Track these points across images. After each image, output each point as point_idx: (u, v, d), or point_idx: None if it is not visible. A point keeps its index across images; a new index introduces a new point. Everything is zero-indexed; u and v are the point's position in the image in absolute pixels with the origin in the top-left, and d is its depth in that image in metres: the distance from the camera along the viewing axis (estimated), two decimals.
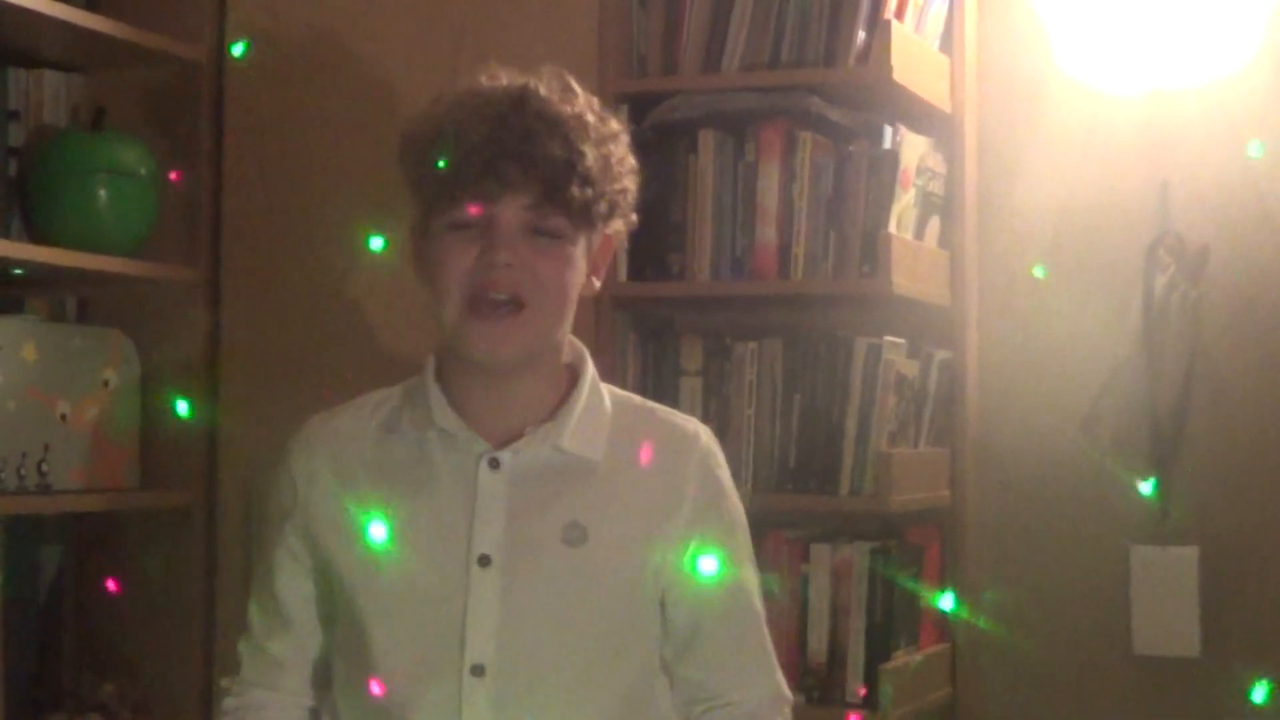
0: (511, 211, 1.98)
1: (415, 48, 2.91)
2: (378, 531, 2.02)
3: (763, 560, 2.81)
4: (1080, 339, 2.96)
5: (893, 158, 2.78)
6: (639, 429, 2.09)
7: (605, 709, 2.03)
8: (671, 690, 2.12)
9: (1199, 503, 2.89)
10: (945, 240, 2.99)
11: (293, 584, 2.11)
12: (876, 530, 2.87)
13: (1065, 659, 2.95)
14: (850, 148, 2.81)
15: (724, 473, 2.12)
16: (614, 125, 2.07)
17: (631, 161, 2.08)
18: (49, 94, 2.95)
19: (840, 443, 2.78)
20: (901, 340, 2.86)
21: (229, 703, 2.14)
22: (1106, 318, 2.96)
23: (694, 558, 2.06)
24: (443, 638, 1.98)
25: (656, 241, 2.86)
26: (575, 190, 1.98)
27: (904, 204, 2.81)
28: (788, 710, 2.16)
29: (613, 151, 2.04)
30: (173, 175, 2.99)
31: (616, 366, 2.85)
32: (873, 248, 2.75)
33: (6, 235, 2.83)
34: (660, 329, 2.98)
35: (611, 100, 2.84)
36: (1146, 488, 2.90)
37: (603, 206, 2.03)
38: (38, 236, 2.86)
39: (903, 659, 2.80)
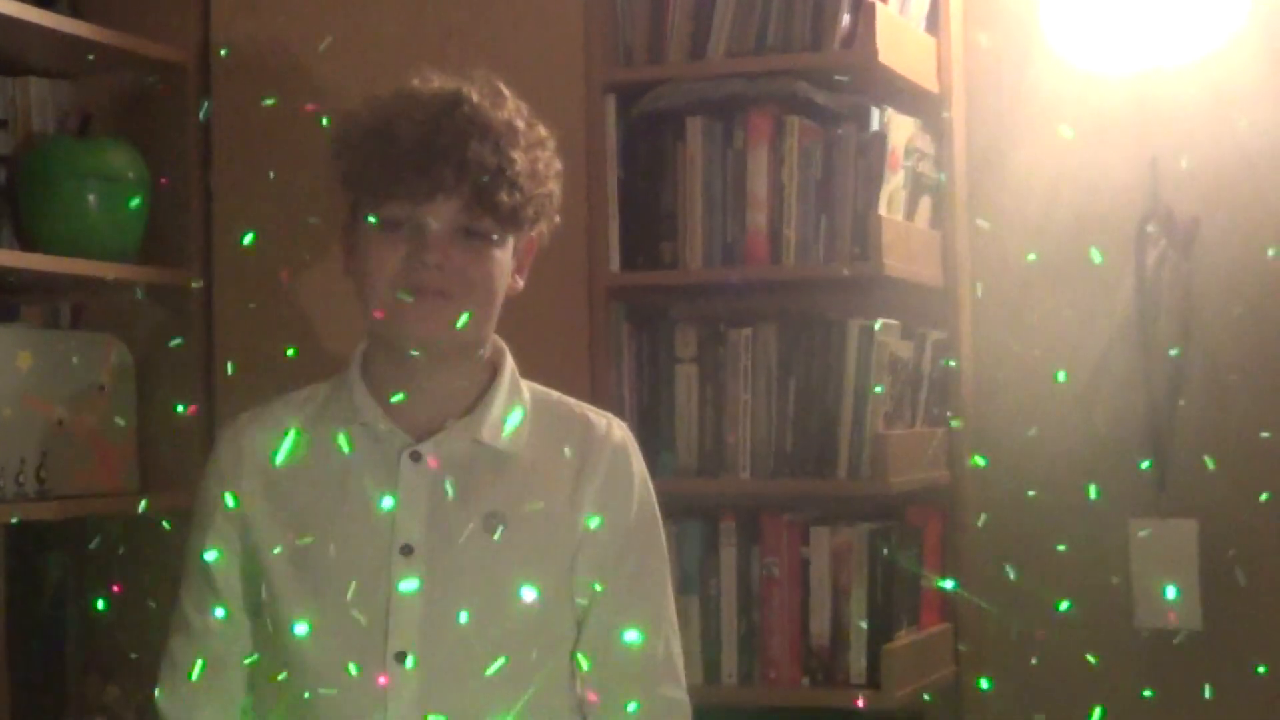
0: (443, 213, 2.03)
1: (401, 43, 2.91)
2: (302, 523, 2.07)
3: (764, 544, 2.83)
4: (1073, 315, 2.97)
5: (880, 140, 2.78)
6: (555, 423, 2.15)
7: (527, 694, 2.06)
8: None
9: (1197, 475, 2.89)
10: (936, 221, 2.99)
11: (229, 574, 2.13)
12: (876, 512, 2.87)
13: (1067, 635, 2.95)
14: (838, 131, 2.81)
15: (637, 465, 2.17)
16: (541, 131, 2.12)
17: (557, 165, 2.13)
18: (35, 101, 2.94)
19: (837, 425, 2.78)
20: (895, 322, 2.86)
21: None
22: (1099, 293, 2.96)
23: (599, 547, 2.10)
24: (367, 626, 2.03)
25: (648, 230, 2.87)
26: (505, 195, 2.03)
27: (893, 185, 2.82)
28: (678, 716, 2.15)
29: (540, 157, 2.09)
30: (161, 179, 2.99)
31: (611, 356, 2.85)
32: (863, 230, 2.75)
33: None
34: (654, 317, 2.97)
35: (599, 90, 2.85)
36: (1144, 462, 2.91)
37: (530, 211, 2.08)
38: (29, 244, 2.85)
39: (905, 639, 2.80)
